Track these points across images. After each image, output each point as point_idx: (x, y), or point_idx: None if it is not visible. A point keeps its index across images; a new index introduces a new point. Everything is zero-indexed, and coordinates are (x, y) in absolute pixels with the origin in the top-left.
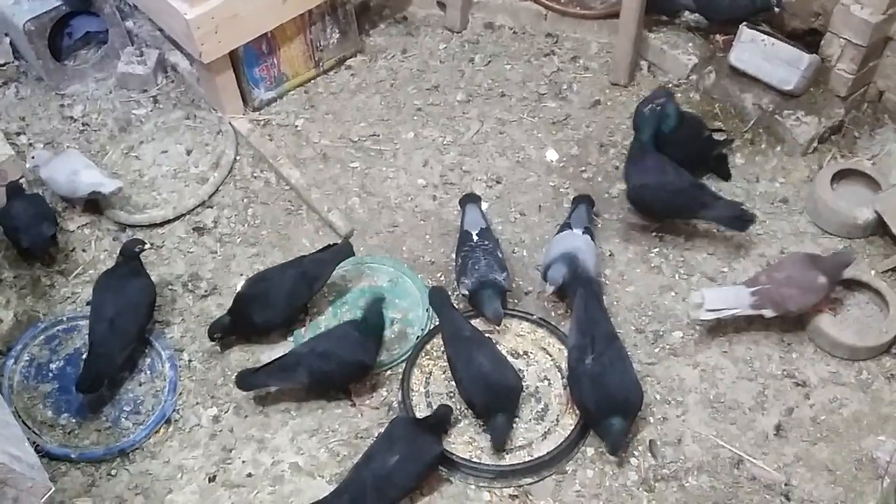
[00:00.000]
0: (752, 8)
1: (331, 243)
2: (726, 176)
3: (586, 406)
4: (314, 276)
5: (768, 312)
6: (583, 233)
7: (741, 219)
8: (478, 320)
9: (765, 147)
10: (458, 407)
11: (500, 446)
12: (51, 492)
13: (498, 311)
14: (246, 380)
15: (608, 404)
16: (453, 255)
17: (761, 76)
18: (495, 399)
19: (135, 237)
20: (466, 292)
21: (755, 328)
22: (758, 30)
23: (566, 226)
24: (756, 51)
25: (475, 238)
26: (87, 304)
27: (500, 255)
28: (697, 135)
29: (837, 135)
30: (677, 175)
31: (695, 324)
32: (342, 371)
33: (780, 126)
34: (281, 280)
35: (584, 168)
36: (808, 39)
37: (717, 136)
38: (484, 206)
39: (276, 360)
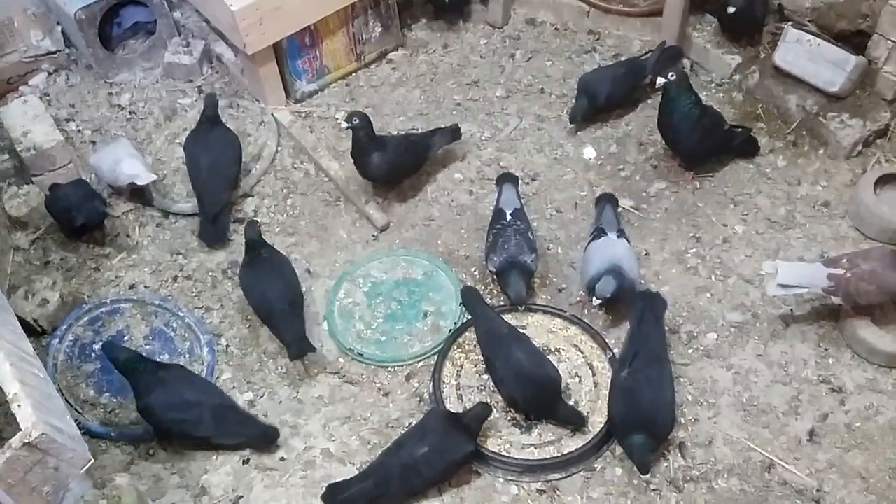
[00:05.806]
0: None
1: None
2: None
3: (612, 418)
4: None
5: (837, 300)
6: (618, 236)
7: (456, 133)
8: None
9: (807, 149)
10: (490, 400)
11: (581, 423)
12: (90, 463)
13: (521, 293)
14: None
15: (633, 420)
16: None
17: (806, 77)
18: (539, 394)
19: (210, 93)
20: (493, 269)
21: (791, 332)
22: (804, 30)
23: (600, 231)
24: (801, 51)
25: (508, 217)
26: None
27: (532, 237)
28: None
29: (883, 138)
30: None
31: (766, 298)
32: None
33: (824, 128)
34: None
35: (622, 166)
36: (855, 41)
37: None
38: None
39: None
